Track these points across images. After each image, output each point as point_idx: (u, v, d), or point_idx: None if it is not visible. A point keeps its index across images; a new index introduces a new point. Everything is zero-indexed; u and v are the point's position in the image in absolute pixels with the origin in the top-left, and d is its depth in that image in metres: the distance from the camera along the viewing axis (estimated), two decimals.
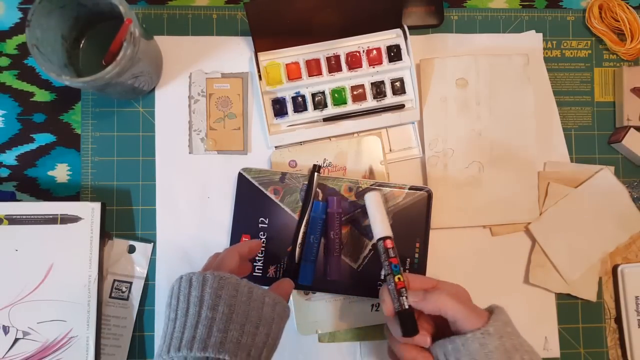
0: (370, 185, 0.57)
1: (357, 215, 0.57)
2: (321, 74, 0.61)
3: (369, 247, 0.57)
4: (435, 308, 0.45)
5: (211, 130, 0.62)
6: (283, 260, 0.58)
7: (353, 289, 0.57)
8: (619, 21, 0.64)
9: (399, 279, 0.47)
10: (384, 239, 0.50)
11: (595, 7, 0.65)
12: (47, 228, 0.57)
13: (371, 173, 0.60)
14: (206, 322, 0.39)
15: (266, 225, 0.58)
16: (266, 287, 0.46)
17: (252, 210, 0.58)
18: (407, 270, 0.57)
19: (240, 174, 0.59)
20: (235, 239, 0.59)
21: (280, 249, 0.58)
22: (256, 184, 0.58)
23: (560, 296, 0.62)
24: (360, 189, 0.57)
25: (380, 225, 0.51)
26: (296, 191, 0.58)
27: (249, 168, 0.59)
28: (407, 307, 0.46)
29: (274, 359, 0.59)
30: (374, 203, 0.53)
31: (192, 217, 0.61)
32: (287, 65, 0.61)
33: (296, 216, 0.58)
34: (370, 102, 0.62)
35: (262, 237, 0.58)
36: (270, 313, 0.43)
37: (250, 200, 0.58)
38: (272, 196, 0.58)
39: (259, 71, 0.60)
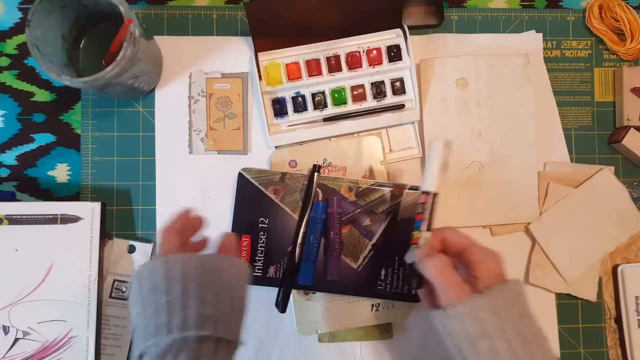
0: (370, 185, 0.57)
1: (357, 215, 0.57)
2: (321, 74, 0.61)
3: (369, 247, 0.57)
4: (425, 274, 0.44)
5: (211, 130, 0.62)
6: (283, 260, 0.58)
7: (353, 289, 0.57)
8: (619, 21, 0.64)
9: (412, 235, 0.48)
10: (424, 192, 0.49)
11: (595, 7, 0.65)
12: (47, 228, 0.57)
13: (371, 173, 0.60)
14: (164, 307, 0.39)
15: (266, 225, 0.58)
16: (213, 253, 0.46)
17: (252, 210, 0.58)
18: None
19: (240, 174, 0.59)
20: None
21: (280, 249, 0.58)
22: (256, 184, 0.58)
23: (560, 296, 0.62)
24: (360, 189, 0.57)
25: (427, 179, 0.49)
26: (296, 191, 0.58)
27: (249, 168, 0.59)
28: (409, 262, 0.47)
29: (275, 358, 0.60)
30: (434, 153, 0.50)
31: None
32: (287, 65, 0.61)
33: (296, 216, 0.58)
34: (370, 102, 0.62)
35: (262, 237, 0.58)
36: (230, 277, 0.42)
37: (250, 200, 0.58)
38: (272, 196, 0.58)
39: (259, 71, 0.60)
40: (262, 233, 0.58)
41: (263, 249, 0.58)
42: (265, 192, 0.58)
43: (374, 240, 0.56)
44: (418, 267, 0.45)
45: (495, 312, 0.39)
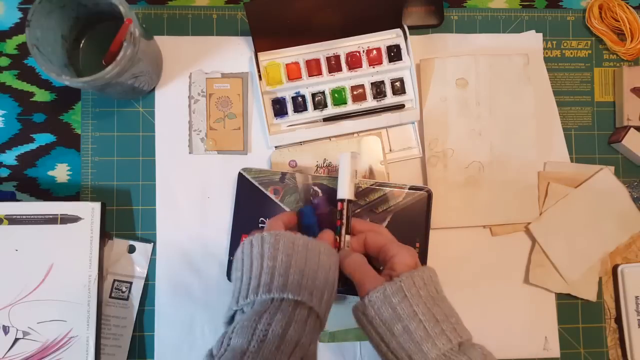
0: (371, 185, 0.57)
1: (357, 215, 0.57)
2: (321, 74, 0.61)
3: None
4: (345, 272, 0.48)
5: (211, 130, 0.62)
6: None
7: (353, 289, 0.57)
8: (619, 21, 0.64)
9: (336, 239, 0.52)
10: (340, 200, 0.53)
11: (595, 7, 0.65)
12: (47, 228, 0.57)
13: (371, 173, 0.60)
14: (268, 270, 0.42)
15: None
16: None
17: (252, 210, 0.58)
18: None
19: (240, 174, 0.59)
20: (235, 239, 0.59)
21: None
22: (256, 183, 0.58)
23: (560, 296, 0.62)
24: (360, 189, 0.57)
25: (340, 188, 0.54)
26: (296, 191, 0.58)
27: (249, 168, 0.59)
28: None
29: None
30: (343, 164, 0.54)
31: (192, 217, 0.61)
32: (287, 65, 0.61)
33: None
34: (370, 102, 0.62)
35: None
36: (327, 260, 0.45)
37: (250, 200, 0.58)
38: (272, 196, 0.58)
39: (259, 71, 0.60)
40: None
41: None
42: (265, 192, 0.58)
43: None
44: (341, 268, 0.49)
45: (405, 296, 0.43)
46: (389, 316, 0.43)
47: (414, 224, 0.57)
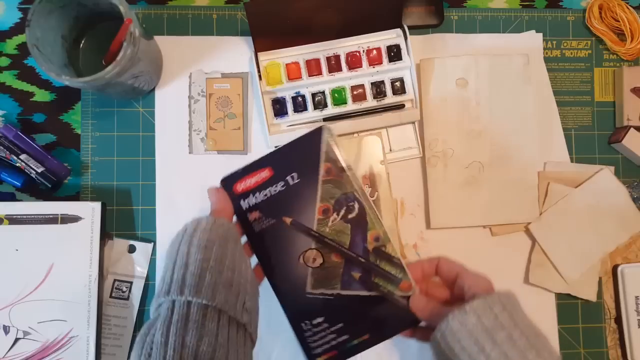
0: (391, 254, 0.48)
1: (357, 261, 0.48)
2: (321, 74, 0.61)
3: (334, 291, 0.48)
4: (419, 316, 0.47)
5: (211, 130, 0.62)
6: None
7: (290, 312, 0.49)
8: (619, 21, 0.64)
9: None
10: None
11: (595, 7, 0.65)
12: (48, 228, 0.57)
13: (371, 173, 0.60)
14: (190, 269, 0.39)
15: (291, 183, 0.48)
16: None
17: (293, 160, 0.49)
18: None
19: (319, 128, 0.49)
20: None
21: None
22: (323, 148, 0.49)
23: (560, 296, 0.62)
24: (383, 250, 0.48)
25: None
26: (341, 190, 0.50)
27: (331, 132, 0.49)
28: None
29: (275, 357, 0.60)
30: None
31: (192, 217, 0.61)
32: (287, 65, 0.61)
33: None
34: (370, 102, 0.62)
35: (279, 186, 0.49)
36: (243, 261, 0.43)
37: (301, 152, 0.48)
38: (322, 171, 0.49)
39: (259, 71, 0.60)
40: (282, 184, 0.48)
41: (269, 195, 0.48)
42: (321, 161, 0.49)
43: (342, 292, 0.47)
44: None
45: (505, 307, 0.42)
46: (491, 324, 0.40)
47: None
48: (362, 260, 0.48)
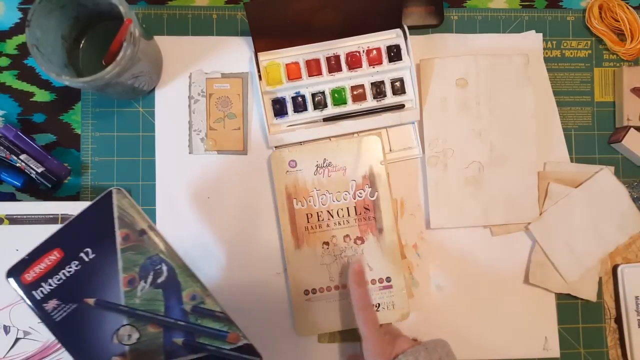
0: (213, 310, 0.46)
1: (175, 325, 0.45)
2: (321, 74, 0.61)
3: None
4: None
5: (211, 130, 0.62)
6: (70, 305, 0.45)
7: None
8: (619, 21, 0.64)
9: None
10: None
11: (595, 7, 0.65)
12: (48, 228, 0.57)
13: (371, 173, 0.60)
14: None
15: (87, 259, 0.45)
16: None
17: (86, 233, 0.46)
18: None
19: (109, 193, 0.46)
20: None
21: (79, 294, 0.45)
22: (115, 214, 0.46)
23: (560, 296, 0.62)
24: (202, 305, 0.45)
25: None
26: (144, 255, 0.46)
27: (123, 193, 0.47)
28: None
29: (275, 358, 0.60)
30: None
31: (192, 217, 0.61)
32: (287, 65, 0.61)
33: (122, 281, 0.46)
34: (370, 102, 0.62)
35: (74, 266, 0.45)
36: None
37: (93, 223, 0.46)
38: (119, 239, 0.46)
39: (259, 71, 0.60)
40: (76, 263, 0.45)
41: (64, 278, 0.45)
42: (116, 229, 0.46)
43: None
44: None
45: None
46: None
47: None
48: (182, 323, 0.45)
